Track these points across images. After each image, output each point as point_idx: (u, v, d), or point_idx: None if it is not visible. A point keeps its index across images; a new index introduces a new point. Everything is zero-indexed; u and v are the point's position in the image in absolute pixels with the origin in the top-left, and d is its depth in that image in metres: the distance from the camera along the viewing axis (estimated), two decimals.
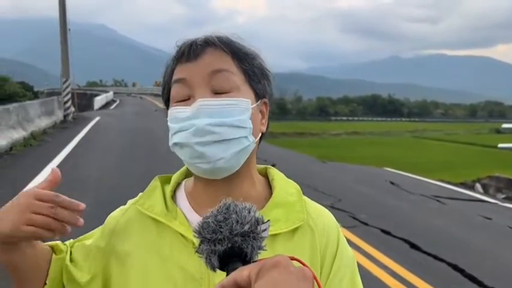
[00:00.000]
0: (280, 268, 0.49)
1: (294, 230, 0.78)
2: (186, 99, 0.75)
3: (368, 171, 11.21)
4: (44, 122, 14.14)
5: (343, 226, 5.45)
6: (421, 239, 5.12)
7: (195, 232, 0.56)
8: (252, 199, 0.72)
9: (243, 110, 0.75)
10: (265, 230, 0.55)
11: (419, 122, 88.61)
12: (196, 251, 0.56)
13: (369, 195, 7.58)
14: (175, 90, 0.77)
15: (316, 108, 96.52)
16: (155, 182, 0.85)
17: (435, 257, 4.57)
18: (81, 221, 0.75)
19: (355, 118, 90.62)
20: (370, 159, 19.41)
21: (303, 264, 0.53)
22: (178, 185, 0.86)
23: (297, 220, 0.78)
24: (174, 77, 0.77)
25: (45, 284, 0.81)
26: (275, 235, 0.75)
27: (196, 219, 0.78)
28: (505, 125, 65.34)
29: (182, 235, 0.77)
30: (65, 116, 17.75)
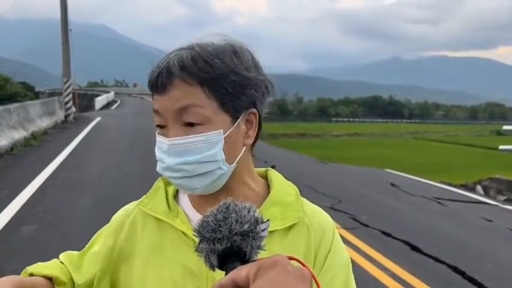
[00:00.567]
0: (279, 268, 0.49)
1: (290, 228, 0.80)
2: (165, 126, 0.77)
3: (368, 173, 11.20)
4: (44, 122, 14.15)
5: (343, 227, 5.46)
6: (421, 240, 5.11)
7: (195, 231, 0.56)
8: (250, 199, 0.73)
9: (213, 144, 0.75)
10: (264, 229, 0.55)
11: (420, 123, 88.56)
12: (196, 250, 0.56)
13: (369, 196, 7.58)
14: (155, 117, 0.78)
15: (317, 109, 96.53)
16: (158, 183, 0.88)
17: (436, 259, 4.56)
18: None
19: (356, 119, 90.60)
20: (370, 160, 19.40)
21: (302, 264, 0.53)
22: None
23: (293, 218, 0.80)
24: (153, 104, 0.78)
25: None
26: (271, 232, 0.76)
27: (197, 218, 0.80)
28: (506, 127, 65.24)
29: (183, 233, 0.80)
30: (65, 116, 17.76)
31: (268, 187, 0.86)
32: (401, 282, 4.00)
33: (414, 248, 4.88)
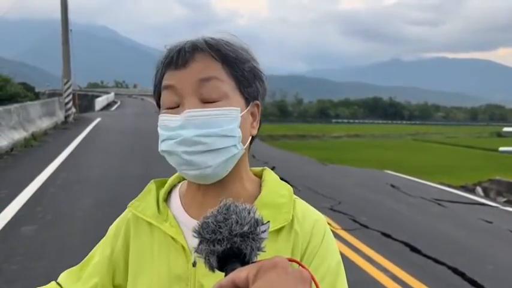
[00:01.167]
0: (278, 269, 0.49)
1: (279, 231, 0.78)
2: (176, 107, 0.75)
3: (368, 174, 11.20)
4: (45, 123, 14.15)
5: (343, 229, 5.46)
6: (421, 242, 5.11)
7: (195, 232, 0.56)
8: (241, 199, 0.73)
9: (232, 120, 0.74)
10: (264, 231, 0.55)
11: (420, 124, 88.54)
12: (195, 251, 0.56)
13: (369, 198, 7.57)
14: (165, 97, 0.76)
15: (317, 110, 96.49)
16: (150, 185, 0.88)
17: (435, 261, 4.56)
18: None
19: (356, 121, 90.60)
20: (370, 161, 19.40)
21: (302, 266, 0.53)
22: (174, 187, 0.88)
23: (282, 221, 0.78)
24: (164, 83, 0.77)
25: None
26: None
27: (187, 220, 0.81)
28: (506, 129, 65.25)
29: (172, 237, 0.79)
30: (66, 117, 17.77)
31: (261, 187, 0.84)
32: (401, 283, 4.00)
33: (414, 250, 4.88)
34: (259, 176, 0.87)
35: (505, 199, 9.99)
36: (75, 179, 7.45)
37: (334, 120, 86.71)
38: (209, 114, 0.73)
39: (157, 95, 0.80)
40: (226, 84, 0.75)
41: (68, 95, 18.19)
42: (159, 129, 0.77)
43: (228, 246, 0.54)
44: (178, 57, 0.75)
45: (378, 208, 6.84)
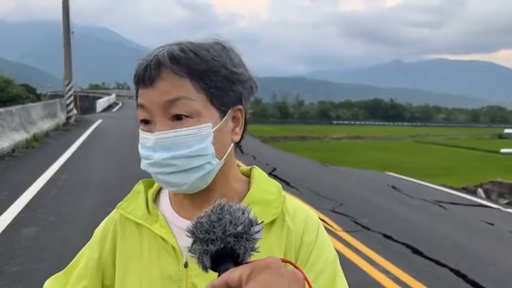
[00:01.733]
0: (271, 270, 0.48)
1: (271, 226, 0.78)
2: (149, 122, 0.75)
3: (370, 176, 11.19)
4: (46, 125, 14.18)
5: (345, 230, 5.45)
6: (423, 244, 5.10)
7: (188, 232, 0.56)
8: (229, 198, 0.73)
9: (203, 137, 0.73)
10: (258, 231, 0.55)
11: (421, 126, 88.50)
12: (189, 251, 0.56)
13: (370, 199, 7.56)
14: (139, 113, 0.76)
15: (318, 112, 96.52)
16: (139, 186, 0.87)
17: (437, 262, 4.55)
18: None
19: (357, 122, 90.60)
20: (371, 163, 19.38)
21: (295, 267, 0.53)
22: (163, 187, 0.87)
23: (272, 215, 0.78)
24: (138, 100, 0.76)
25: None
26: None
27: (177, 220, 0.81)
28: (507, 130, 64.98)
29: (162, 238, 0.79)
30: (67, 119, 17.80)
31: (249, 185, 0.84)
32: (402, 285, 3.99)
33: (415, 251, 4.86)
34: (248, 175, 0.86)
35: (506, 201, 9.97)
36: (76, 181, 7.45)
37: (335, 122, 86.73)
38: (178, 135, 0.72)
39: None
40: (195, 101, 0.72)
41: (70, 97, 18.22)
42: (139, 145, 0.77)
43: (222, 246, 0.53)
44: (145, 76, 0.73)
45: (379, 210, 6.83)
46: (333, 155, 23.60)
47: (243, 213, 0.55)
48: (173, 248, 0.78)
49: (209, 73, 0.73)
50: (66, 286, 0.84)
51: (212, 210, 0.56)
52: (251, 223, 0.55)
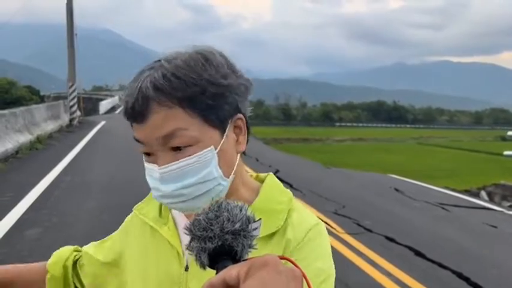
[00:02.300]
0: (269, 267, 0.48)
1: (271, 237, 0.76)
2: (151, 154, 0.73)
3: (372, 178, 11.17)
4: (50, 126, 14.22)
5: (347, 232, 5.45)
6: (425, 246, 5.09)
7: (186, 229, 0.56)
8: None
9: (208, 162, 0.72)
10: (256, 228, 0.55)
11: (424, 128, 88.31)
12: (187, 248, 0.56)
13: (373, 201, 7.55)
14: (139, 147, 0.74)
15: (321, 114, 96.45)
16: None
17: (440, 265, 4.54)
18: None
19: (360, 124, 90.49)
20: (374, 165, 19.36)
21: (294, 264, 0.53)
22: None
23: (272, 227, 0.76)
24: (134, 134, 0.74)
25: None
26: None
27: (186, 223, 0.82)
28: (510, 133, 64.97)
29: (168, 241, 0.81)
30: (70, 120, 17.84)
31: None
32: (404, 287, 3.99)
33: (418, 254, 4.86)
34: (262, 182, 0.84)
35: (509, 203, 9.94)
36: (80, 182, 7.47)
37: (337, 124, 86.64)
38: (182, 166, 0.71)
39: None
40: (192, 128, 0.70)
41: (73, 98, 18.28)
42: (146, 175, 0.76)
43: (219, 243, 0.53)
44: (134, 113, 0.71)
45: (381, 212, 6.82)
46: (336, 157, 23.58)
47: (241, 210, 0.55)
48: (178, 251, 0.80)
49: (198, 95, 0.70)
50: (102, 251, 0.93)
51: (210, 207, 0.56)
52: (249, 220, 0.54)
